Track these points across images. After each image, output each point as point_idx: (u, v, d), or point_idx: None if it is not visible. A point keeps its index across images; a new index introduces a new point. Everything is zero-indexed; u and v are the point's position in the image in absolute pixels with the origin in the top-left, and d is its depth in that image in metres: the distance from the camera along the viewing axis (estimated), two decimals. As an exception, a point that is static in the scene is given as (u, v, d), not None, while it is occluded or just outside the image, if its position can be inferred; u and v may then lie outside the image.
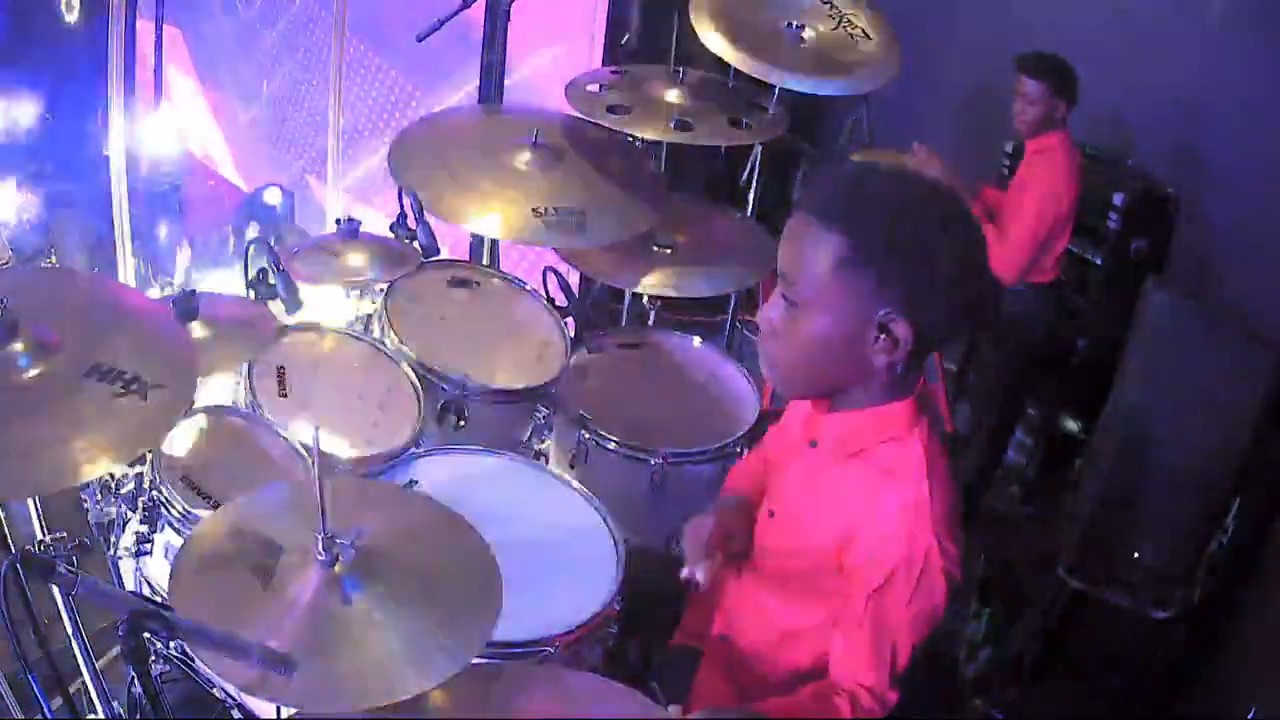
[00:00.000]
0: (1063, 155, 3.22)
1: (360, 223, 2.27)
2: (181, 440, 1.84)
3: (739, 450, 2.24)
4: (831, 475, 1.43)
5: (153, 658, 1.69)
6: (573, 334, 2.45)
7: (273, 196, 4.47)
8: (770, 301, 1.37)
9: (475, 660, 1.40)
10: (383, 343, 2.19)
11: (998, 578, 3.00)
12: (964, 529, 1.39)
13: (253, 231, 4.15)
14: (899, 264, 1.27)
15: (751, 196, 3.16)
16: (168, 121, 5.00)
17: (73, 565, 1.20)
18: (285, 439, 1.91)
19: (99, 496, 1.78)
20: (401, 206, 2.26)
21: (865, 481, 1.39)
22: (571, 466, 2.18)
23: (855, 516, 1.38)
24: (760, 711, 1.43)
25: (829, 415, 1.43)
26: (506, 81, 2.82)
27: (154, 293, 3.30)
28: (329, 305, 2.32)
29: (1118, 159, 3.49)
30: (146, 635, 1.16)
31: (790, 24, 2.77)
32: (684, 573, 1.52)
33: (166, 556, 1.76)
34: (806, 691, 1.43)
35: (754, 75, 2.71)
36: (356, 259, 2.23)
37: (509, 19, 2.64)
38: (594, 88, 2.76)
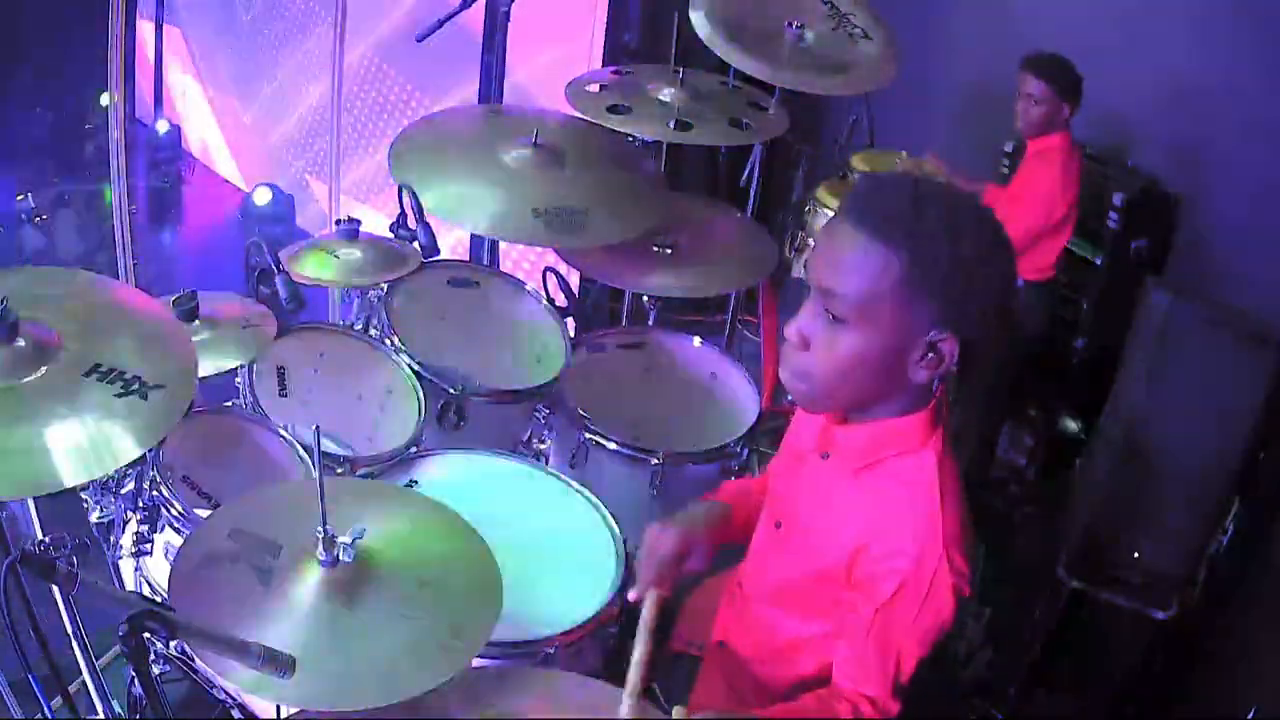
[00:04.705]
0: (1062, 157, 3.22)
1: (360, 223, 2.27)
2: (181, 440, 1.84)
3: (739, 450, 2.24)
4: (843, 487, 1.42)
5: (153, 658, 1.69)
6: (573, 334, 2.45)
7: (262, 196, 4.47)
8: (805, 312, 1.34)
9: (475, 660, 1.40)
10: (383, 343, 2.19)
11: (998, 578, 3.00)
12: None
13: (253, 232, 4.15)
14: (956, 286, 1.26)
15: (751, 196, 3.16)
16: (167, 121, 5.01)
17: (73, 565, 1.20)
18: (285, 439, 1.91)
19: (99, 496, 1.78)
20: (401, 206, 2.26)
21: (877, 493, 1.38)
22: (571, 466, 2.18)
23: (866, 528, 1.37)
24: (762, 717, 1.43)
25: (843, 426, 1.43)
26: (506, 82, 2.82)
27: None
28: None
29: (1118, 159, 3.49)
30: (146, 635, 1.16)
31: (790, 24, 2.77)
32: (631, 594, 1.51)
33: (166, 556, 1.76)
34: (809, 698, 1.42)
35: (754, 75, 2.71)
36: (356, 259, 2.23)
37: (509, 20, 2.64)
38: (594, 88, 2.76)
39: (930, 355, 1.30)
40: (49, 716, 1.63)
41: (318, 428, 1.35)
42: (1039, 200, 3.21)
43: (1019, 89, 3.24)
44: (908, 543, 1.33)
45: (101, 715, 1.99)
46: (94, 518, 1.79)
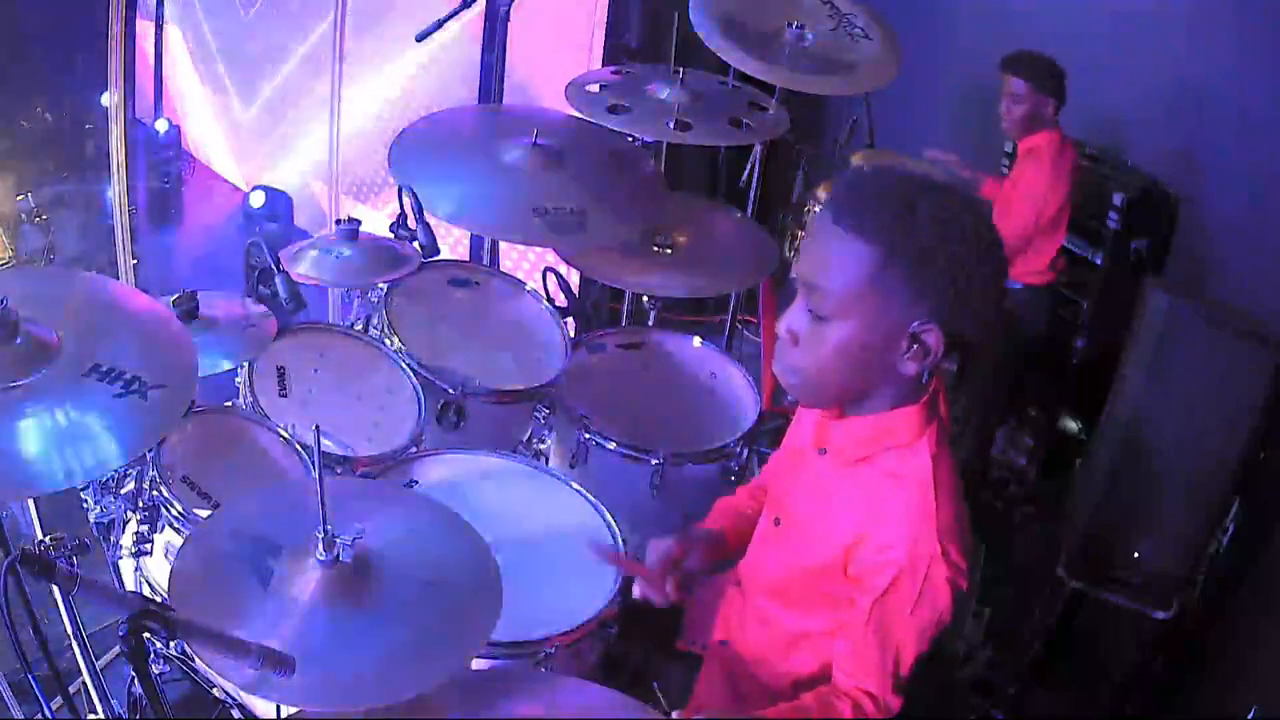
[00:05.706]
0: (1050, 156, 3.22)
1: (360, 223, 2.27)
2: (181, 440, 1.84)
3: (739, 450, 2.24)
4: (840, 482, 1.43)
5: (153, 658, 1.69)
6: (573, 334, 2.45)
7: (257, 199, 4.47)
8: (793, 309, 1.35)
9: (475, 660, 1.40)
10: (383, 343, 2.19)
11: (998, 578, 3.01)
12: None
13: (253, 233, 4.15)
14: (936, 276, 1.26)
15: (751, 196, 3.16)
16: (167, 121, 5.01)
17: (73, 565, 1.20)
18: (285, 439, 1.91)
19: (99, 496, 1.78)
20: (401, 206, 2.26)
21: (872, 487, 1.38)
22: (571, 466, 2.18)
23: (862, 522, 1.37)
24: (763, 716, 1.43)
25: (838, 421, 1.43)
26: (506, 82, 2.82)
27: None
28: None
29: (1118, 159, 3.50)
30: (146, 635, 1.16)
31: (790, 24, 2.77)
32: (635, 591, 1.54)
33: (166, 556, 1.76)
34: (810, 696, 1.42)
35: (754, 75, 2.71)
36: (356, 259, 2.23)
37: (509, 20, 2.64)
38: (594, 88, 2.76)
39: (915, 347, 1.30)
40: (49, 716, 1.63)
41: (318, 428, 1.35)
42: (1027, 201, 3.21)
43: (1001, 89, 3.24)
44: (902, 535, 1.33)
45: (101, 715, 2.00)
46: (94, 518, 1.79)
